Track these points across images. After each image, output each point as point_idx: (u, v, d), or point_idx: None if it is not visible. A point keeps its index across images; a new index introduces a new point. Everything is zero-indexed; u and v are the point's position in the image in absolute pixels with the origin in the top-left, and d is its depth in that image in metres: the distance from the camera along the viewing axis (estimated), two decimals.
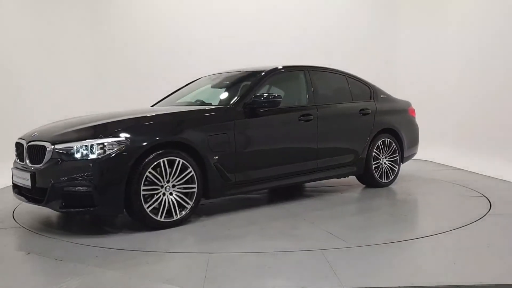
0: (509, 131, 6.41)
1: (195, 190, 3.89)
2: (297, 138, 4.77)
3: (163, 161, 3.70)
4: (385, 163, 5.52)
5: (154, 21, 8.79)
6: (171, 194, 3.79)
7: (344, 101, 5.36)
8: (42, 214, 4.36)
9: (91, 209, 3.52)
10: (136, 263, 3.03)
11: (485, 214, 4.17)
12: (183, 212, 3.85)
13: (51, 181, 3.57)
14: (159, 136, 3.75)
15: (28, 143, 3.94)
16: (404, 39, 8.97)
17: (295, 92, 5.20)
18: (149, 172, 3.63)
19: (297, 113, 4.75)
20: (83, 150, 3.53)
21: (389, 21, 9.03)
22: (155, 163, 3.66)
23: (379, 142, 5.43)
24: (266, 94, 4.42)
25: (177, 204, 3.82)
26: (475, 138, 7.21)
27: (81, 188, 3.49)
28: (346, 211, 4.50)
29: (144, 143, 3.63)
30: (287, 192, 5.36)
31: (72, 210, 3.58)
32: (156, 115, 4.08)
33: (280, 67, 4.99)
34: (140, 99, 7.14)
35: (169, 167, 3.75)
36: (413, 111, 6.12)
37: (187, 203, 3.87)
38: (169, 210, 3.78)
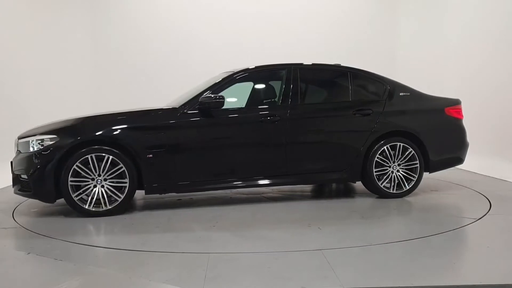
0: (509, 131, 6.41)
1: (127, 185, 4.18)
2: (257, 139, 4.58)
3: (91, 157, 4.12)
4: (397, 171, 4.85)
5: (154, 22, 8.78)
6: (103, 187, 4.18)
7: (337, 100, 5.04)
8: (42, 214, 4.37)
9: (30, 193, 4.19)
10: (136, 263, 3.04)
11: (485, 214, 4.17)
12: (110, 206, 4.19)
13: (14, 169, 4.30)
14: (83, 134, 4.19)
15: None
16: (405, 38, 8.97)
17: (265, 92, 5.08)
18: (77, 166, 4.08)
19: (259, 114, 4.58)
20: (32, 144, 4.19)
21: (390, 19, 9.04)
22: (83, 158, 4.10)
23: (385, 147, 4.80)
24: (210, 96, 4.38)
25: (108, 197, 4.20)
26: (475, 137, 7.19)
27: (24, 176, 4.20)
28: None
29: (70, 141, 4.12)
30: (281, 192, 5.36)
31: (21, 193, 4.28)
32: (91, 116, 4.48)
33: (251, 67, 4.84)
34: (140, 99, 7.14)
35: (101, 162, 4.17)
36: (456, 111, 5.18)
37: (118, 196, 4.20)
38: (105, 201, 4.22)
